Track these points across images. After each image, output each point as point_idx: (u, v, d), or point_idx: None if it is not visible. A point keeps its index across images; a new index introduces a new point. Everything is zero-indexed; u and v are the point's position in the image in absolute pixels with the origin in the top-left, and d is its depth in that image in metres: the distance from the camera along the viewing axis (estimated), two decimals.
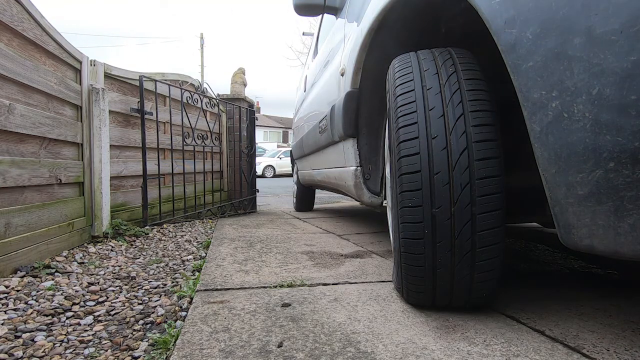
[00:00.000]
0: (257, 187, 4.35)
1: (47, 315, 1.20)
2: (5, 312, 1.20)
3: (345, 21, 2.07)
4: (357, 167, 1.84)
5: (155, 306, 1.28)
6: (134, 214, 2.70)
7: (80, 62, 2.20)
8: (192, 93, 3.36)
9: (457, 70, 1.08)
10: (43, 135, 1.83)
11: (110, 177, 2.40)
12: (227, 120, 4.11)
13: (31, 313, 1.21)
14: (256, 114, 4.44)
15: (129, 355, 0.96)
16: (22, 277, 1.53)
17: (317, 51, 3.18)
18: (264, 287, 1.41)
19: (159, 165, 2.85)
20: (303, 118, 3.41)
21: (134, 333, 1.09)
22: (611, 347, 0.92)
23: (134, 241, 2.33)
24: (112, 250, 2.09)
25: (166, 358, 0.93)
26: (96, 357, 0.95)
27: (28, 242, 1.67)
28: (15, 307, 1.25)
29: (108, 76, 2.49)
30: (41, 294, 1.37)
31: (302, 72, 4.14)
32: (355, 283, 1.45)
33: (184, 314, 1.20)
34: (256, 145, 4.50)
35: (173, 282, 1.55)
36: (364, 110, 1.79)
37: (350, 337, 0.99)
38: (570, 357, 0.88)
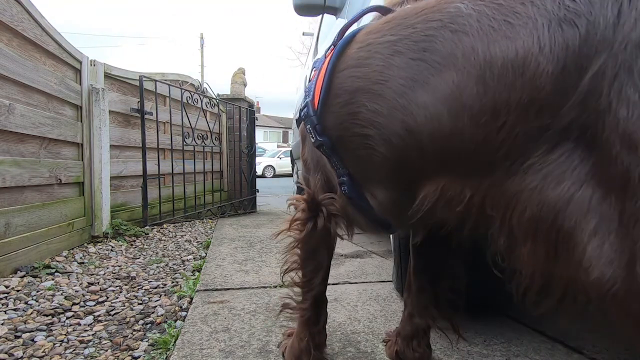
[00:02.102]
0: (257, 187, 4.35)
1: (47, 315, 1.20)
2: (5, 312, 1.20)
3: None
4: None
5: (155, 306, 1.28)
6: (134, 214, 2.70)
7: (80, 62, 2.20)
8: (192, 93, 3.36)
9: None
10: (43, 135, 1.83)
11: (110, 177, 2.40)
12: (227, 120, 4.11)
13: (31, 313, 1.21)
14: (256, 114, 4.44)
15: (129, 355, 0.96)
16: (22, 277, 1.53)
17: (317, 51, 3.18)
18: (264, 287, 1.41)
19: (159, 165, 2.85)
20: None
21: (134, 333, 1.09)
22: (611, 347, 0.92)
23: (134, 241, 2.33)
24: (112, 250, 2.09)
25: (166, 358, 0.93)
26: (96, 357, 0.95)
27: (28, 242, 1.67)
28: (15, 307, 1.25)
29: (108, 76, 2.49)
30: (41, 294, 1.37)
31: (302, 72, 4.14)
32: (355, 283, 1.45)
33: (184, 314, 1.20)
34: (256, 145, 4.50)
35: (173, 282, 1.55)
36: None
37: (350, 337, 0.99)
38: (570, 357, 0.88)
